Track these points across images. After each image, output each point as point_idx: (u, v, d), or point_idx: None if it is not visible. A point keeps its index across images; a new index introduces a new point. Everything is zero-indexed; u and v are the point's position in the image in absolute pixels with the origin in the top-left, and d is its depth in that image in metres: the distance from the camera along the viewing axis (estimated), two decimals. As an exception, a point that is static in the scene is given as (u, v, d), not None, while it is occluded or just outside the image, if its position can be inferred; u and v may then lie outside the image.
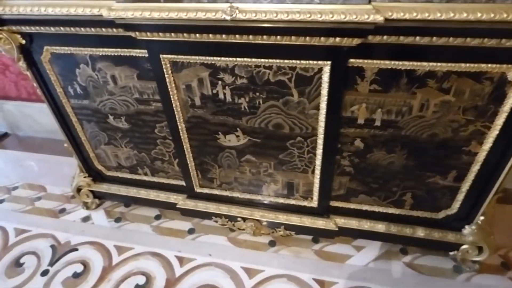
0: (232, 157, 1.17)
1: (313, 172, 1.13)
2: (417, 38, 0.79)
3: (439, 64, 0.78)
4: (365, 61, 0.87)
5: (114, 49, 1.05)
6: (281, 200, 1.25)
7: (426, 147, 0.95)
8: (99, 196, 1.62)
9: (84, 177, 1.53)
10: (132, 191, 1.51)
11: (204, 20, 0.79)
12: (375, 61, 0.87)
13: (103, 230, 1.54)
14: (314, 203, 1.23)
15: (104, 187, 1.55)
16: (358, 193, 1.19)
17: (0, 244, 1.49)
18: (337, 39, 0.82)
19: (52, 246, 1.47)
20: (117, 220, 1.58)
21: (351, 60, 0.84)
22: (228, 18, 0.80)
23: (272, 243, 1.35)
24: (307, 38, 0.83)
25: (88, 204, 1.62)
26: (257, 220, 1.34)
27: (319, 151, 1.05)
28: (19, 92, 1.99)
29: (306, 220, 1.27)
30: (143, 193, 1.49)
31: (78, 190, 1.57)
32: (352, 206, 1.21)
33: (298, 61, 0.87)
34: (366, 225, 1.23)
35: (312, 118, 0.98)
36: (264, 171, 1.18)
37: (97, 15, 0.92)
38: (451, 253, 1.18)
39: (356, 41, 0.82)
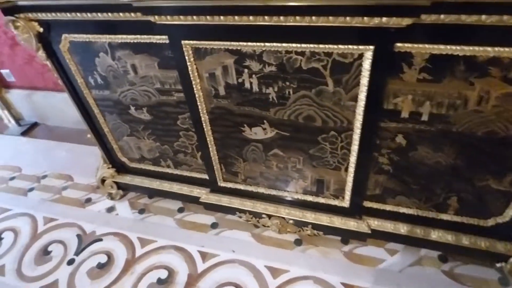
0: (258, 151, 1.11)
1: (346, 169, 1.05)
2: (483, 16, 0.64)
3: (507, 49, 0.63)
4: (415, 45, 0.75)
5: (133, 36, 0.98)
6: (309, 198, 1.17)
7: (481, 146, 0.83)
8: (123, 188, 1.58)
9: (108, 168, 1.50)
10: (155, 183, 1.46)
11: (229, -1, 0.70)
12: (427, 46, 0.75)
13: (127, 221, 1.51)
14: (345, 202, 1.14)
15: (127, 179, 1.52)
16: (395, 194, 1.09)
17: (30, 232, 1.50)
18: (384, 19, 0.69)
19: (78, 236, 1.46)
20: (141, 211, 1.54)
21: (398, 44, 0.74)
22: (256, -4, 0.70)
23: (298, 242, 1.27)
24: (347, 18, 0.72)
25: (112, 195, 1.59)
26: (283, 218, 1.25)
27: (355, 147, 0.97)
28: (46, 82, 1.99)
29: (336, 221, 1.17)
30: (166, 186, 1.45)
31: (103, 181, 1.55)
32: (388, 207, 1.10)
33: (335, 46, 0.79)
34: (402, 228, 1.11)
35: (349, 111, 0.89)
36: (292, 166, 1.11)
37: (113, -3, 0.83)
38: (497, 265, 1.05)
39: (406, 21, 0.69)
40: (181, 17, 0.83)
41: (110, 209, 1.58)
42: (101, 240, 1.42)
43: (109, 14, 0.93)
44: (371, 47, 0.76)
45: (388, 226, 1.16)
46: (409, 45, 0.74)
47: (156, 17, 0.85)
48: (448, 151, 0.92)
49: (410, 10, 0.67)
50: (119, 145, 1.41)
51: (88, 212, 1.58)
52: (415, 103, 0.83)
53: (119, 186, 1.56)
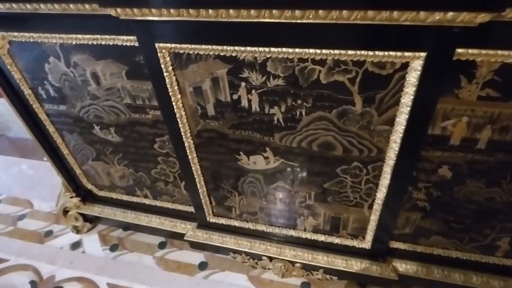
0: (258, 184, 0.96)
1: (370, 206, 0.90)
2: None
3: None
4: (483, 51, 0.58)
5: (91, 36, 0.78)
6: (321, 238, 1.03)
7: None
8: (91, 220, 1.32)
9: (71, 197, 1.25)
10: (130, 216, 1.25)
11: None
12: (499, 52, 0.57)
13: (96, 261, 1.27)
14: (366, 243, 0.98)
15: (96, 210, 1.29)
16: (431, 233, 0.94)
17: (-28, 277, 1.23)
18: (450, 14, 0.48)
19: (32, 283, 1.21)
20: (113, 248, 1.31)
21: (460, 50, 0.59)
22: (262, -21, 0.49)
23: (305, 286, 1.12)
24: (395, 13, 0.50)
25: (78, 227, 1.34)
26: (288, 261, 1.04)
27: (384, 182, 0.82)
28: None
29: (355, 264, 1.00)
30: (143, 219, 1.24)
31: (65, 212, 1.30)
32: (420, 249, 0.99)
33: (370, 52, 0.61)
34: (437, 273, 0.95)
35: (381, 137, 0.75)
36: (301, 202, 0.96)
37: (56, -18, 0.61)
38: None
39: (482, 18, 0.48)
40: (153, 10, 0.62)
41: (75, 245, 1.34)
42: (61, 288, 1.18)
43: (55, 5, 0.70)
44: (422, 54, 0.58)
45: (419, 270, 0.98)
46: (475, 51, 0.58)
47: (118, 10, 0.63)
48: (507, 186, 0.77)
49: (494, 1, 0.45)
50: (83, 170, 1.19)
51: (48, 249, 1.34)
52: (471, 127, 0.69)
53: (86, 218, 1.32)
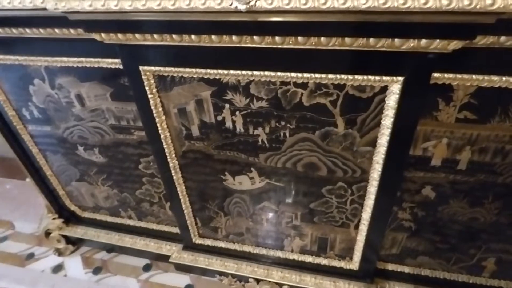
0: (244, 204, 0.96)
1: (356, 226, 0.90)
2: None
3: None
4: (458, 76, 0.61)
5: (76, 59, 0.79)
6: (308, 259, 1.03)
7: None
8: (74, 242, 1.30)
9: (54, 218, 1.23)
10: (114, 238, 1.23)
11: (203, 12, 0.56)
12: (474, 77, 0.60)
13: (78, 285, 1.24)
14: (354, 264, 0.98)
15: (79, 231, 1.27)
16: (417, 253, 0.95)
17: None
18: (423, 41, 0.50)
19: (11, 310, 1.15)
20: (96, 271, 1.28)
21: (436, 74, 0.61)
22: (242, 7, 0.52)
23: None
24: (371, 40, 0.52)
25: (61, 250, 1.31)
26: (276, 283, 1.03)
27: (369, 202, 0.83)
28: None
29: (343, 285, 1.02)
30: (128, 241, 1.22)
31: (47, 234, 1.26)
32: (407, 269, 0.99)
33: (349, 76, 0.63)
34: None
35: (363, 158, 0.76)
36: (288, 222, 0.96)
37: (40, 8, 0.62)
38: None
39: (454, 45, 0.51)
40: (137, 35, 0.63)
41: (57, 268, 1.30)
42: (42, 314, 1.14)
43: (41, 30, 0.71)
44: (400, 78, 0.60)
45: (406, 291, 0.97)
46: (451, 75, 0.61)
47: (103, 35, 0.64)
48: (489, 206, 0.78)
49: (464, 30, 0.48)
50: (67, 191, 1.18)
51: (28, 273, 1.30)
52: (451, 149, 0.71)
53: (69, 240, 1.29)
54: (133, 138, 0.92)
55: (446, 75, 0.60)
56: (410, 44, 0.53)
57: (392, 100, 0.63)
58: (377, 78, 0.61)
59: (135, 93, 0.78)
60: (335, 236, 0.94)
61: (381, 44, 0.54)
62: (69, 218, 1.28)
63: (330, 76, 0.63)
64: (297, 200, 0.89)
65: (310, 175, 0.82)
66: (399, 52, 0.56)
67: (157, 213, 1.13)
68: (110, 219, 1.22)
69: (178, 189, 0.96)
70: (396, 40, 0.53)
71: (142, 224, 1.18)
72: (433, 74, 0.59)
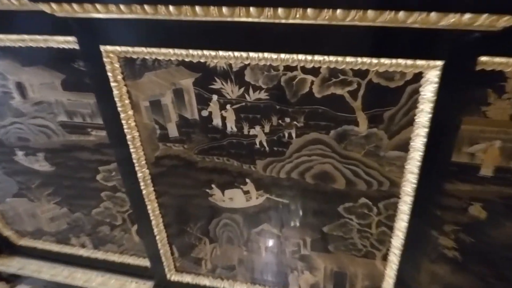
0: (236, 227, 1.00)
1: (385, 257, 0.94)
2: None
3: None
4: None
5: (17, 36, 0.83)
6: None
7: None
8: (7, 279, 1.32)
9: (-20, 247, 1.25)
10: (62, 273, 1.27)
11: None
12: None
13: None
14: None
15: (14, 265, 1.31)
16: None
17: None
18: (466, 16, 0.54)
19: None
20: (38, 318, 1.29)
21: (483, 59, 0.64)
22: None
23: None
24: (400, 14, 0.58)
25: (-11, 290, 1.33)
26: (278, 332, 1.07)
27: (401, 224, 0.87)
28: None
29: None
30: (80, 278, 1.25)
31: (-28, 268, 1.28)
32: None
33: (374, 60, 0.67)
34: None
35: (393, 166, 0.80)
36: (294, 251, 1.01)
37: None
38: None
39: (506, 22, 0.55)
40: (98, 6, 0.67)
41: (-15, 315, 1.32)
42: None
43: None
44: (438, 63, 0.64)
45: None
46: (502, 60, 0.64)
47: (54, 5, 0.68)
48: None
49: (517, 2, 0.52)
50: None
51: None
52: (506, 154, 0.74)
53: (1, 276, 1.32)
54: (90, 140, 0.96)
55: (496, 59, 0.63)
56: (450, 20, 0.57)
57: (428, 91, 0.67)
58: (409, 62, 0.65)
59: (94, 81, 0.82)
60: (356, 270, 0.98)
61: (413, 19, 0.58)
62: (1, 247, 1.30)
63: (348, 59, 0.66)
64: (306, 222, 0.93)
65: (323, 188, 0.85)
66: (437, 30, 0.59)
67: (119, 240, 1.17)
68: (56, 248, 1.25)
69: (149, 207, 0.99)
70: (432, 14, 0.57)
71: (100, 255, 1.22)
72: (479, 58, 0.63)
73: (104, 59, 0.77)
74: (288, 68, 0.71)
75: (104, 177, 1.02)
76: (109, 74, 0.78)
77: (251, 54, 0.70)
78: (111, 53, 0.76)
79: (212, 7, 0.63)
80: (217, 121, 0.81)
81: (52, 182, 1.08)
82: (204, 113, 0.81)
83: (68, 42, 0.80)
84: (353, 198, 0.85)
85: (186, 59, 0.74)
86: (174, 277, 1.15)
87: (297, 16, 0.62)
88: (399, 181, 0.80)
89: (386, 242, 0.91)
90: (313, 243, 0.96)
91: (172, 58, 0.75)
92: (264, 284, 1.10)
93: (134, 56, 0.76)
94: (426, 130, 0.71)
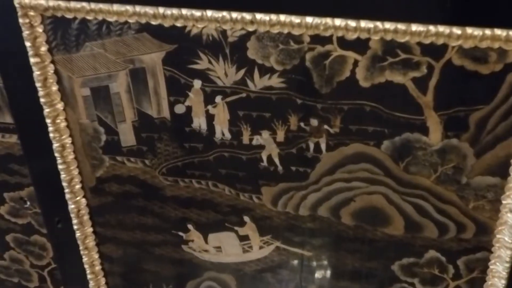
0: None
1: None
2: None
3: None
4: None
5: None
6: None
7: None
8: None
9: None
10: None
11: None
12: None
13: None
14: None
15: None
16: None
17: None
18: None
19: None
20: None
21: None
22: None
23: None
24: None
25: None
26: None
27: None
28: None
29: None
30: None
31: None
32: None
33: (454, 30, 0.68)
34: None
35: (481, 200, 0.81)
36: None
37: None
38: None
39: None
40: None
41: None
42: None
43: None
44: None
45: None
46: None
47: None
48: None
49: None
50: None
51: None
52: None
53: None
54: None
55: None
56: None
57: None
58: (512, 33, 0.66)
59: (2, 55, 0.83)
60: None
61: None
62: None
63: (414, 28, 0.68)
64: (339, 287, 0.93)
65: (369, 234, 0.87)
66: None
67: None
68: None
69: (85, 259, 1.01)
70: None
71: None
72: None
73: (20, 20, 0.78)
74: (317, 39, 0.72)
75: (11, 211, 1.03)
76: (27, 44, 0.80)
77: (258, 15, 0.72)
78: (30, 10, 0.77)
79: None
80: (199, 122, 0.83)
81: None
82: (179, 109, 0.82)
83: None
84: (417, 250, 0.87)
85: (153, 22, 0.76)
86: None
87: None
88: (491, 225, 0.82)
89: (471, 322, 0.92)
90: (352, 324, 0.97)
91: (130, 20, 0.76)
92: None
93: (69, 16, 0.78)
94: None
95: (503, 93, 0.71)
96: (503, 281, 0.85)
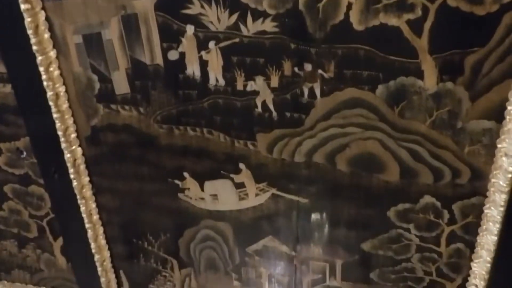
0: (221, 242, 1.03)
1: None
2: None
3: None
4: None
5: None
6: None
7: None
8: None
9: None
10: None
11: None
12: None
13: None
14: None
15: None
16: None
17: None
18: None
19: None
20: None
21: None
22: None
23: None
24: None
25: None
26: None
27: (488, 239, 0.89)
28: None
29: None
30: None
31: None
32: None
33: None
34: None
35: (476, 145, 0.82)
36: (315, 282, 1.02)
37: None
38: None
39: None
40: None
41: None
42: None
43: None
44: None
45: None
46: None
47: None
48: None
49: None
50: None
51: None
52: None
53: None
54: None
55: None
56: None
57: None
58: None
59: None
60: (415, 314, 1.00)
61: None
62: None
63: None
64: (335, 235, 0.95)
65: (364, 180, 0.87)
66: None
67: (32, 263, 1.19)
68: None
69: (82, 209, 1.01)
70: None
71: (1, 289, 1.23)
72: None
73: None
74: (309, -21, 0.71)
75: (8, 161, 1.04)
76: (16, -12, 0.79)
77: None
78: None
79: None
80: (193, 69, 0.83)
81: None
82: (173, 55, 0.82)
83: None
84: (412, 196, 0.88)
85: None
86: (122, 325, 1.17)
87: None
88: (486, 170, 0.82)
89: (462, 268, 0.93)
90: (346, 269, 0.99)
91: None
92: (265, 337, 1.12)
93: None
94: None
95: (499, 35, 0.71)
96: (498, 225, 0.85)
